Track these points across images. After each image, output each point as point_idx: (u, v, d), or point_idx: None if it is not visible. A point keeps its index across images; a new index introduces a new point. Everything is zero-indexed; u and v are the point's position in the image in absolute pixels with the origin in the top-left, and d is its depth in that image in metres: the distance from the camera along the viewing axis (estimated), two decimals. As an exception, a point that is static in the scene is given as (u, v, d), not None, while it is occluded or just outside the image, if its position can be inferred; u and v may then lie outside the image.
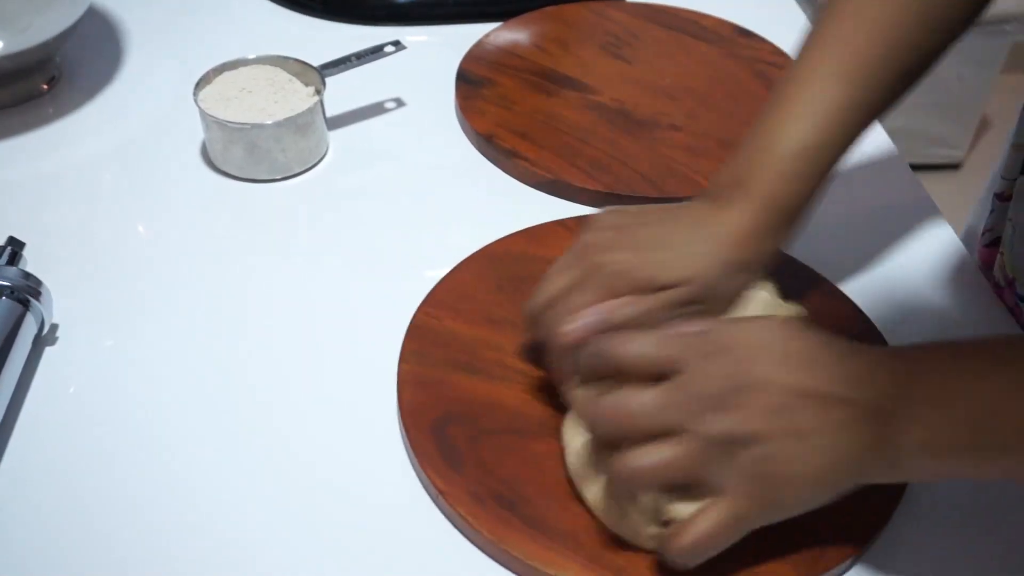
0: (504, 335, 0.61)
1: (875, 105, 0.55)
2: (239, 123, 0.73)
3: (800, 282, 0.66)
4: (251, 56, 0.79)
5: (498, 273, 0.66)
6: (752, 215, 0.54)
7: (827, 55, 0.55)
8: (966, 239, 0.73)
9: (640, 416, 0.46)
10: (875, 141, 0.82)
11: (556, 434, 0.55)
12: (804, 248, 0.71)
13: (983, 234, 0.69)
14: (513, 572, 0.51)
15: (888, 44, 0.54)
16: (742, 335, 0.47)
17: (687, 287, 0.52)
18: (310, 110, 0.75)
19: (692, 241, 0.54)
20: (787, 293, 0.58)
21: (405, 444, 0.56)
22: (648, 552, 0.50)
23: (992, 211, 0.68)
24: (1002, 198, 0.67)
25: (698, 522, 0.46)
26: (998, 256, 0.65)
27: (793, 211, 0.55)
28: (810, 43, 0.56)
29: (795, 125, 0.54)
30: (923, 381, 0.45)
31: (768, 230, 0.54)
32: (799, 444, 0.44)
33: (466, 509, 0.52)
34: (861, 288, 0.67)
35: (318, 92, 0.77)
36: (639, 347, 0.48)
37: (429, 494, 0.55)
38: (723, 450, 0.45)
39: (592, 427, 0.49)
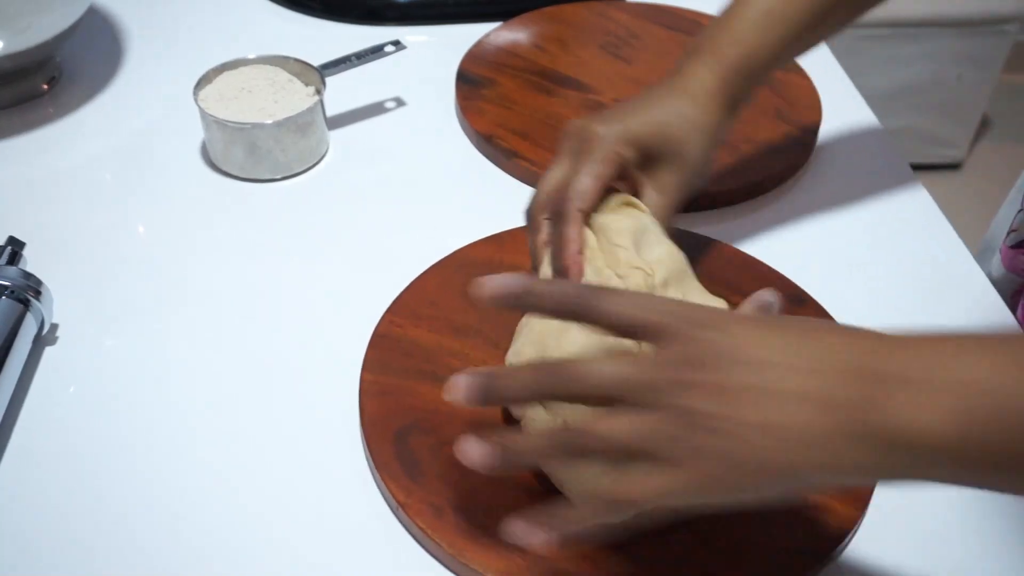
0: (468, 342, 0.61)
1: None
2: (239, 123, 0.73)
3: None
4: (251, 56, 0.79)
5: (463, 280, 0.65)
6: (716, 73, 0.58)
7: None
8: (988, 240, 0.73)
9: (609, 378, 0.42)
10: (875, 141, 0.82)
11: None
12: (804, 247, 0.71)
13: (1008, 234, 0.68)
14: None
15: None
16: (719, 313, 0.44)
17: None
18: (310, 110, 0.75)
19: (665, 101, 0.58)
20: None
21: (366, 454, 0.56)
22: (611, 563, 0.50)
23: (1020, 210, 0.67)
24: None
25: (643, 481, 0.41)
26: None
27: (756, 69, 0.58)
28: None
29: None
30: (912, 359, 0.40)
31: (731, 87, 0.58)
32: (767, 432, 0.40)
33: (425, 521, 0.52)
34: (861, 288, 0.67)
35: (318, 92, 0.77)
36: (622, 307, 0.43)
37: (389, 505, 0.54)
38: (687, 424, 0.40)
39: (550, 384, 0.44)
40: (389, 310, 0.63)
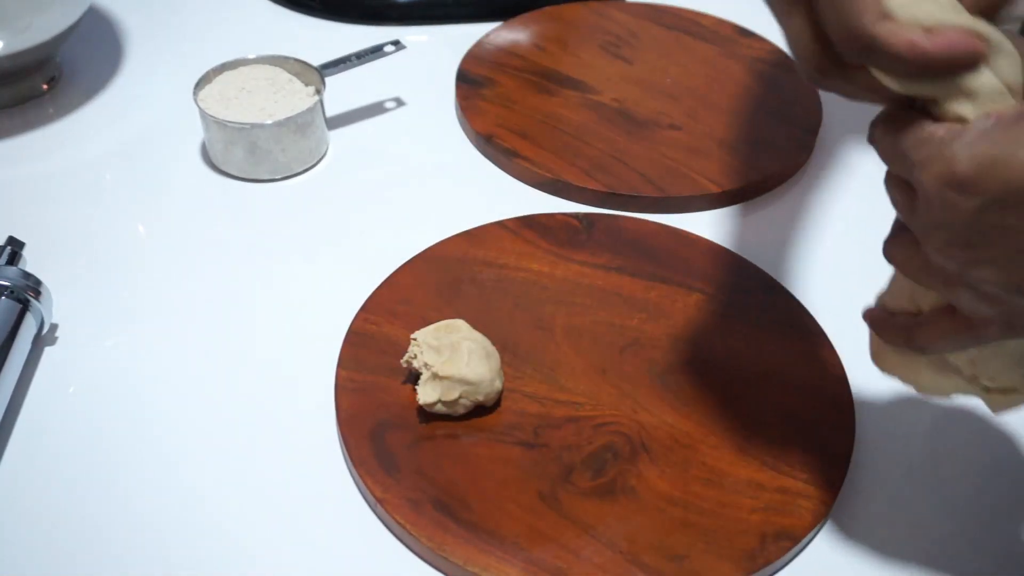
0: None
1: None
2: (239, 123, 0.73)
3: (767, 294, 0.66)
4: (251, 56, 0.79)
5: (437, 276, 0.66)
6: None
7: None
8: None
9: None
10: (875, 141, 0.82)
11: (493, 437, 0.56)
12: (804, 247, 0.71)
13: None
14: None
15: None
16: None
17: None
18: (310, 110, 0.75)
19: None
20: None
21: (343, 451, 0.56)
22: (589, 552, 0.50)
23: None
24: None
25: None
26: None
27: None
28: None
29: None
30: None
31: None
32: None
33: (404, 516, 0.52)
34: (861, 288, 0.67)
35: (318, 92, 0.77)
36: None
37: (367, 502, 0.54)
38: None
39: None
40: (363, 308, 0.63)
